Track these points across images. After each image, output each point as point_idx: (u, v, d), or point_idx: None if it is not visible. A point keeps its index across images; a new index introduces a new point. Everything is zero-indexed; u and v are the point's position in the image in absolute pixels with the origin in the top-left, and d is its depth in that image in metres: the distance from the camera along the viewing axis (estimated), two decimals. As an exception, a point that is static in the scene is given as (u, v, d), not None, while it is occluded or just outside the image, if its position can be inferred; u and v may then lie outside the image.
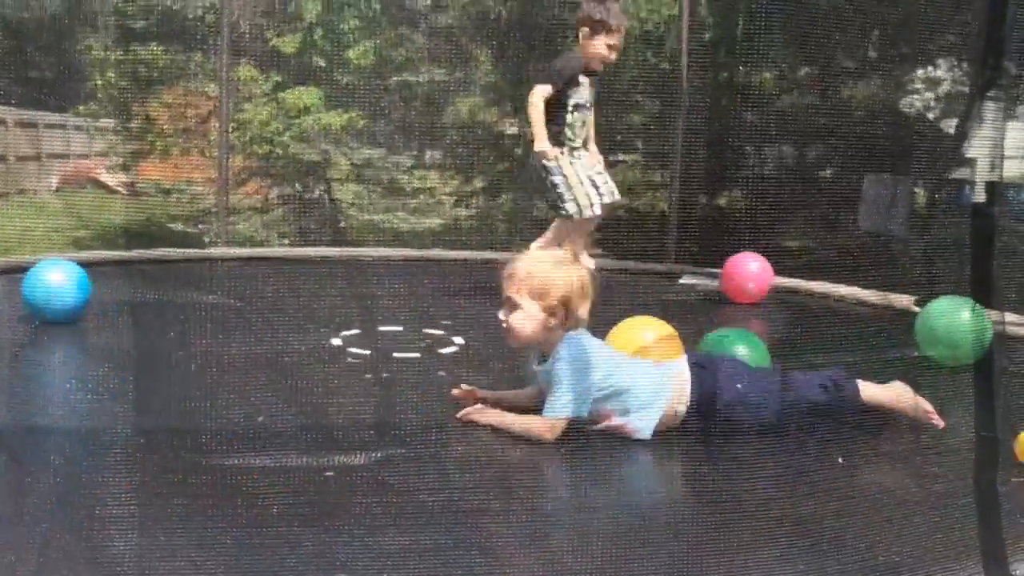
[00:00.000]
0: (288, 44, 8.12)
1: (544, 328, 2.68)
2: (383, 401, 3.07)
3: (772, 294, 4.94)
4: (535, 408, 2.70)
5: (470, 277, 5.33)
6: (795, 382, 2.73)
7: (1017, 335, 3.80)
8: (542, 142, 4.40)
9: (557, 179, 4.44)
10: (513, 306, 2.69)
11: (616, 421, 2.63)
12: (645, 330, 3.19)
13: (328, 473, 2.27)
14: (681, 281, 5.63)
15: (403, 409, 2.95)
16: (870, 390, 2.79)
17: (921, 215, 6.75)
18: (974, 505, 1.99)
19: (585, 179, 4.46)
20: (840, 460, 2.57)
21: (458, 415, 2.73)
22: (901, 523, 2.24)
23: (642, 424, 2.63)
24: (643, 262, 6.08)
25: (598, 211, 4.47)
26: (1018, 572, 1.97)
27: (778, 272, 5.61)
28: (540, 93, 4.42)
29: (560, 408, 2.59)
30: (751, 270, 4.88)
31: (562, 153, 4.47)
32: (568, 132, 4.51)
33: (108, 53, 8.33)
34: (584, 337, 2.71)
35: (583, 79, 4.53)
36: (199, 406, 2.85)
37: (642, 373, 2.70)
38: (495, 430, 2.66)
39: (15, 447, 2.40)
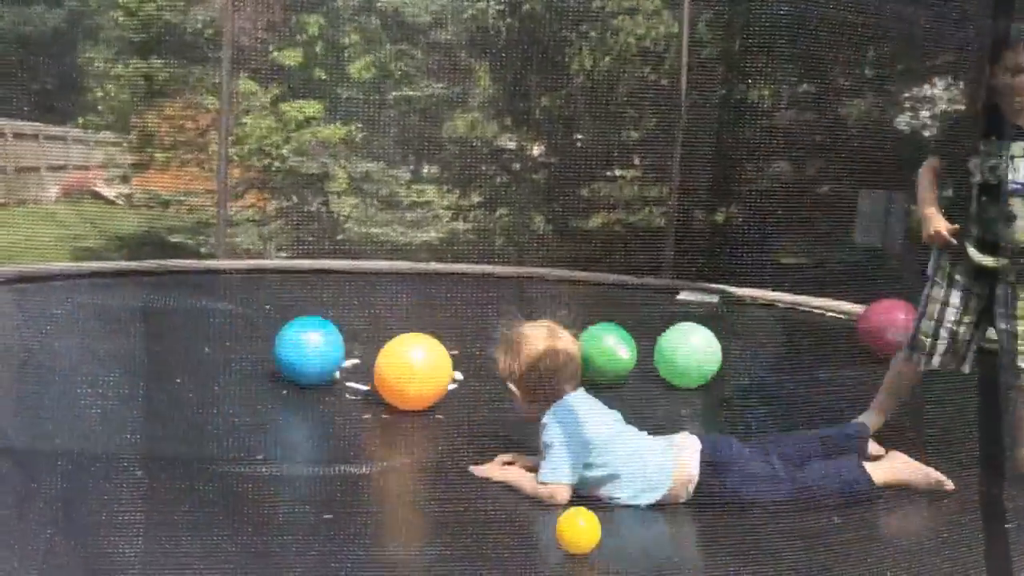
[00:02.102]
0: (289, 58, 8.16)
1: (529, 405, 2.71)
2: (381, 449, 2.99)
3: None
4: None
5: (469, 301, 5.23)
6: (809, 478, 2.62)
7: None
8: (927, 219, 2.84)
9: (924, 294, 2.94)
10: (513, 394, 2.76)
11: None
12: (414, 348, 3.20)
13: (333, 482, 2.26)
14: (679, 297, 5.64)
15: (403, 457, 2.90)
16: (880, 475, 2.67)
17: (918, 231, 6.77)
18: (980, 519, 2.00)
19: (949, 317, 2.83)
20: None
21: (471, 468, 2.71)
22: (907, 538, 2.24)
23: (646, 500, 2.58)
24: (641, 277, 6.09)
25: (923, 362, 2.89)
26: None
27: (777, 288, 5.63)
28: (924, 168, 2.96)
29: (548, 474, 2.56)
30: (897, 319, 4.04)
31: (944, 260, 2.85)
32: (973, 228, 2.78)
33: (109, 66, 8.36)
34: (575, 403, 2.67)
35: (997, 141, 2.74)
36: (199, 416, 2.84)
37: (639, 450, 2.62)
38: (506, 487, 2.62)
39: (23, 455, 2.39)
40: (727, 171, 7.33)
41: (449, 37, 8.48)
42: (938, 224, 2.77)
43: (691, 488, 2.57)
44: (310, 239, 8.07)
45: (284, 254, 7.88)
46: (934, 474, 2.66)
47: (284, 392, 3.30)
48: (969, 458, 2.50)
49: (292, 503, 2.26)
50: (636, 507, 2.54)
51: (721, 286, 5.67)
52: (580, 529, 2.15)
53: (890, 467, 2.70)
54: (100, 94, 8.49)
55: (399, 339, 3.27)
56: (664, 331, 3.76)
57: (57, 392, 3.06)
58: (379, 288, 5.39)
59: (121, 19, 8.44)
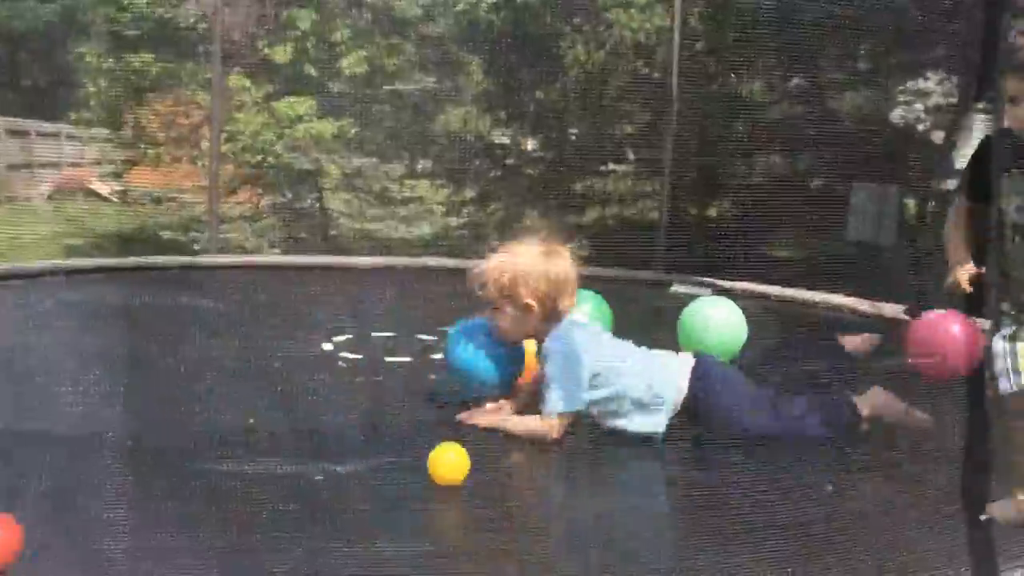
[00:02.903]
0: (280, 53, 8.14)
1: (528, 325, 2.68)
2: (375, 406, 3.03)
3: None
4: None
5: (463, 284, 5.28)
6: (795, 412, 2.67)
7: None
8: (954, 267, 2.57)
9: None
10: (494, 309, 2.70)
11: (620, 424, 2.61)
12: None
13: (319, 478, 2.26)
14: (672, 290, 5.65)
15: (396, 413, 2.91)
16: (867, 407, 2.75)
17: (911, 224, 6.79)
18: (964, 512, 2.01)
19: None
20: (829, 487, 2.50)
21: (458, 417, 2.70)
22: (891, 530, 2.24)
23: (651, 424, 2.60)
24: (633, 270, 6.09)
25: None
26: (1010, 581, 1.98)
27: (770, 281, 5.63)
28: (951, 215, 2.68)
29: (558, 402, 2.54)
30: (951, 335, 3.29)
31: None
32: (1006, 263, 2.48)
33: (100, 61, 8.34)
34: (574, 329, 2.65)
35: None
36: (189, 412, 2.84)
37: (641, 366, 2.63)
38: (497, 432, 2.61)
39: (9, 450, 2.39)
40: (719, 165, 7.34)
41: (440, 31, 8.46)
42: (959, 272, 2.50)
43: (679, 403, 2.60)
44: (302, 235, 8.07)
45: (277, 250, 7.88)
46: (913, 411, 2.72)
47: (277, 384, 3.29)
48: (953, 450, 2.51)
49: (288, 460, 2.29)
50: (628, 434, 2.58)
51: (713, 279, 5.67)
52: (450, 461, 2.25)
53: (875, 402, 2.75)
54: (92, 90, 8.47)
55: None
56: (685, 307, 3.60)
57: (50, 389, 3.07)
58: (368, 283, 5.40)
59: (112, 14, 8.42)
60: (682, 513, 2.43)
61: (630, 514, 2.32)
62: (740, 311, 3.55)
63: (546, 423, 2.55)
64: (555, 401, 2.55)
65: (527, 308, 2.65)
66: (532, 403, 2.68)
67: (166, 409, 2.92)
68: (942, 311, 3.51)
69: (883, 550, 2.10)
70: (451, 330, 3.03)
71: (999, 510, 2.33)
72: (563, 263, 2.69)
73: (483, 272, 2.71)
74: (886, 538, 2.18)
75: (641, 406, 2.59)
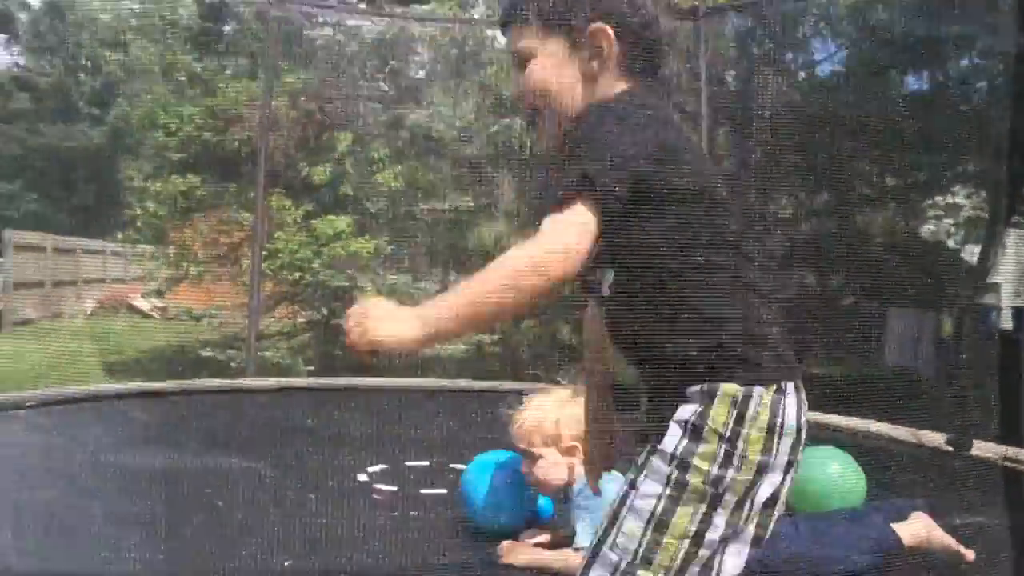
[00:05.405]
0: (319, 174, 8.40)
1: (568, 471, 2.70)
2: (411, 543, 3.01)
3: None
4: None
5: (495, 407, 5.26)
6: (834, 539, 2.63)
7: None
8: None
9: None
10: (533, 458, 2.72)
11: None
12: None
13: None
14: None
15: (433, 552, 2.89)
16: (908, 536, 2.70)
17: (949, 347, 6.70)
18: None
19: None
20: None
21: (498, 551, 2.71)
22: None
23: None
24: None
25: None
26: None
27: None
28: None
29: (586, 540, 2.52)
30: None
31: None
32: None
33: (148, 184, 8.66)
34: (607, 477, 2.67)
35: None
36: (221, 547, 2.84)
37: None
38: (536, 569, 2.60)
39: None
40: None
41: (474, 151, 8.69)
42: None
43: None
44: (338, 353, 8.14)
45: (312, 367, 7.94)
46: (955, 544, 2.68)
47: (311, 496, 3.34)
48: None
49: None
50: None
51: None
52: None
53: (915, 530, 2.71)
54: (139, 211, 8.76)
55: None
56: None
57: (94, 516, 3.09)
58: (403, 404, 5.41)
59: (161, 138, 8.79)
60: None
61: None
62: (859, 469, 3.19)
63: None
64: (585, 536, 2.55)
65: (571, 451, 2.68)
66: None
67: (197, 542, 2.93)
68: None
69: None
70: (467, 467, 3.10)
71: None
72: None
73: (523, 419, 2.75)
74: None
75: None
